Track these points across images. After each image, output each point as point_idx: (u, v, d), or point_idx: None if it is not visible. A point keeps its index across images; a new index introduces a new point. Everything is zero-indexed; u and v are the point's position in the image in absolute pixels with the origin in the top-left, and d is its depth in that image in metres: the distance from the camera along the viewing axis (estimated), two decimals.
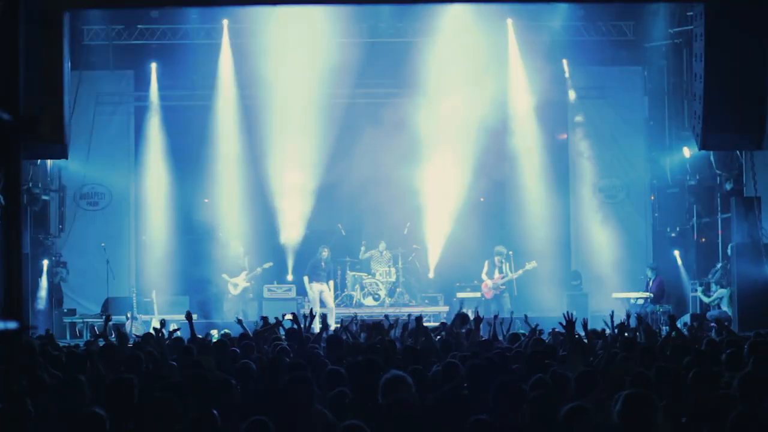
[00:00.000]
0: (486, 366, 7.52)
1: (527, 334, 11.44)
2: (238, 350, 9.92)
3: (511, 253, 20.33)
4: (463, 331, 12.96)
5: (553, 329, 11.70)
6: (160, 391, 6.56)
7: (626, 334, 10.57)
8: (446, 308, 20.70)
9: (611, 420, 5.46)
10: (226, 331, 14.42)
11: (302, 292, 21.10)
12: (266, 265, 20.40)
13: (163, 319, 11.54)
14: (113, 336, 12.78)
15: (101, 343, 10.52)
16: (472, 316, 12.95)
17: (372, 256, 21.54)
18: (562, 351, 9.30)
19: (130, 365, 8.51)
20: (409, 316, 12.62)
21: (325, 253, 20.25)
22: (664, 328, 15.87)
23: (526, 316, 13.03)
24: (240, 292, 20.49)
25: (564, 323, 8.89)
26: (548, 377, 6.93)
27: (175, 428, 5.82)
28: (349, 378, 7.48)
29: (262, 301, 20.74)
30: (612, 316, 10.85)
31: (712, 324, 16.18)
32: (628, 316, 12.64)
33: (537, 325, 11.32)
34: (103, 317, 12.52)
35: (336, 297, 21.21)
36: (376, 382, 6.73)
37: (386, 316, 12.21)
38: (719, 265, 18.54)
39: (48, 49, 13.34)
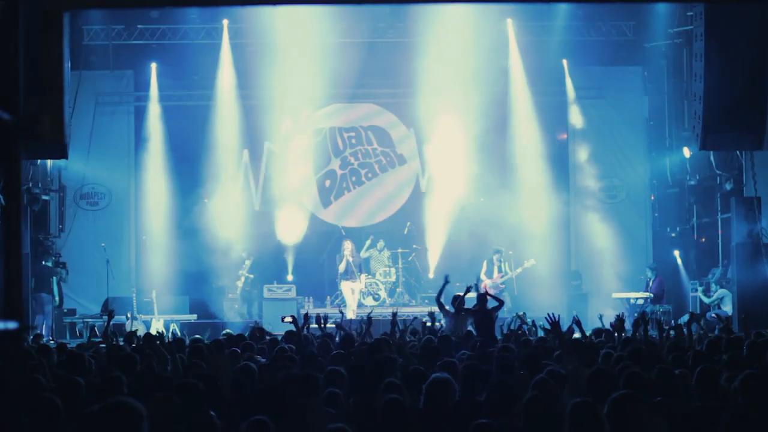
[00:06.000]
0: (482, 366, 7.53)
1: (525, 331, 11.47)
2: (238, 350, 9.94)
3: (511, 252, 20.36)
4: (463, 313, 13.05)
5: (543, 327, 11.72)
6: (158, 391, 6.55)
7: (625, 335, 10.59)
8: (448, 308, 20.64)
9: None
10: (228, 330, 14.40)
11: (302, 292, 21.11)
12: (247, 262, 20.53)
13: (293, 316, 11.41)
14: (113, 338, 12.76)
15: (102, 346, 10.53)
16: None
17: (371, 256, 21.54)
18: (559, 350, 9.31)
19: (127, 365, 8.48)
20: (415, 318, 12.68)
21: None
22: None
23: (524, 314, 13.03)
24: (239, 292, 20.54)
25: (548, 326, 8.95)
26: (547, 377, 6.92)
27: (174, 428, 5.81)
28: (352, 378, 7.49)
29: (262, 301, 20.73)
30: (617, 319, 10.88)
31: (713, 316, 16.20)
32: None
33: (533, 321, 11.35)
34: (105, 316, 12.50)
35: (335, 297, 21.21)
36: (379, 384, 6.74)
37: (394, 314, 12.19)
38: (719, 270, 18.57)
39: (48, 49, 13.32)
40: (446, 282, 13.68)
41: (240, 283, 20.63)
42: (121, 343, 11.43)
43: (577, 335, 10.63)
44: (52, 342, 14.49)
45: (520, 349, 9.66)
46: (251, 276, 20.69)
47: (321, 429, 6.22)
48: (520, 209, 20.84)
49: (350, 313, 19.28)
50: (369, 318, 11.66)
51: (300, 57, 20.59)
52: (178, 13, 20.78)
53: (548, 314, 9.14)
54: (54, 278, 18.99)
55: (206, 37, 21.16)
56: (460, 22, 20.36)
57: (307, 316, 11.41)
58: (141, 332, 16.55)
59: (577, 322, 9.82)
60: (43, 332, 17.14)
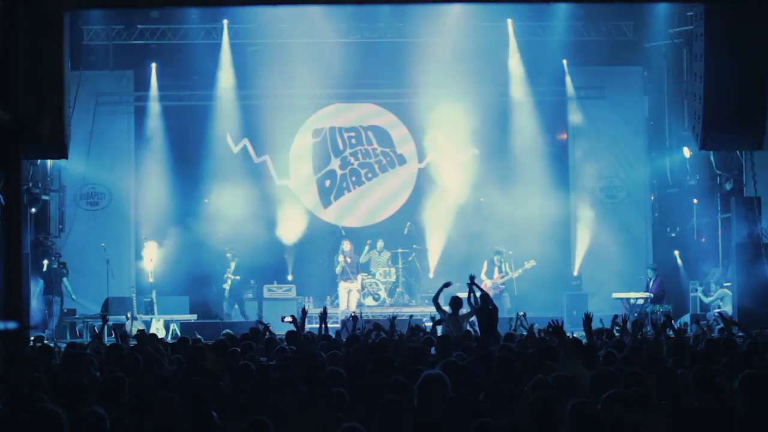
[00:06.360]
0: (477, 367, 7.53)
1: (525, 333, 11.45)
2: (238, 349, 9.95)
3: (511, 252, 20.34)
4: (461, 314, 13.06)
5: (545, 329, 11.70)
6: (157, 390, 6.56)
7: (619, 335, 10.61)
8: (446, 308, 20.65)
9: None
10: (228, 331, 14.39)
11: (302, 292, 21.11)
12: (232, 264, 20.57)
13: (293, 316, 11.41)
14: (112, 336, 12.79)
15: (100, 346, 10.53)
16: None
17: (371, 258, 21.54)
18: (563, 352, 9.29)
19: (128, 365, 8.48)
20: (411, 317, 12.68)
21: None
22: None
23: (524, 314, 13.00)
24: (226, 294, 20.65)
25: (551, 329, 8.96)
26: (550, 378, 6.92)
27: (175, 428, 5.82)
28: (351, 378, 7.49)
29: (262, 301, 20.73)
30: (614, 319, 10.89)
31: (715, 314, 16.20)
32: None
33: (533, 325, 11.33)
34: (101, 318, 12.51)
35: (335, 297, 21.19)
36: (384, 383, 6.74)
37: (394, 317, 12.16)
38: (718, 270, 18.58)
39: (48, 49, 13.30)
40: (447, 285, 13.71)
41: (227, 286, 20.57)
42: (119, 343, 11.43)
43: (578, 335, 10.62)
44: (53, 344, 14.48)
45: (520, 349, 9.66)
46: (237, 278, 20.61)
47: (322, 429, 6.23)
48: (520, 209, 20.82)
49: (341, 315, 19.28)
50: (393, 318, 11.64)
51: (300, 57, 20.58)
52: (178, 13, 20.78)
53: (551, 320, 9.18)
54: (65, 279, 19.16)
55: (206, 37, 21.16)
56: (460, 22, 20.37)
57: (304, 311, 11.41)
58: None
59: (584, 323, 9.71)
60: (45, 334, 17.14)
